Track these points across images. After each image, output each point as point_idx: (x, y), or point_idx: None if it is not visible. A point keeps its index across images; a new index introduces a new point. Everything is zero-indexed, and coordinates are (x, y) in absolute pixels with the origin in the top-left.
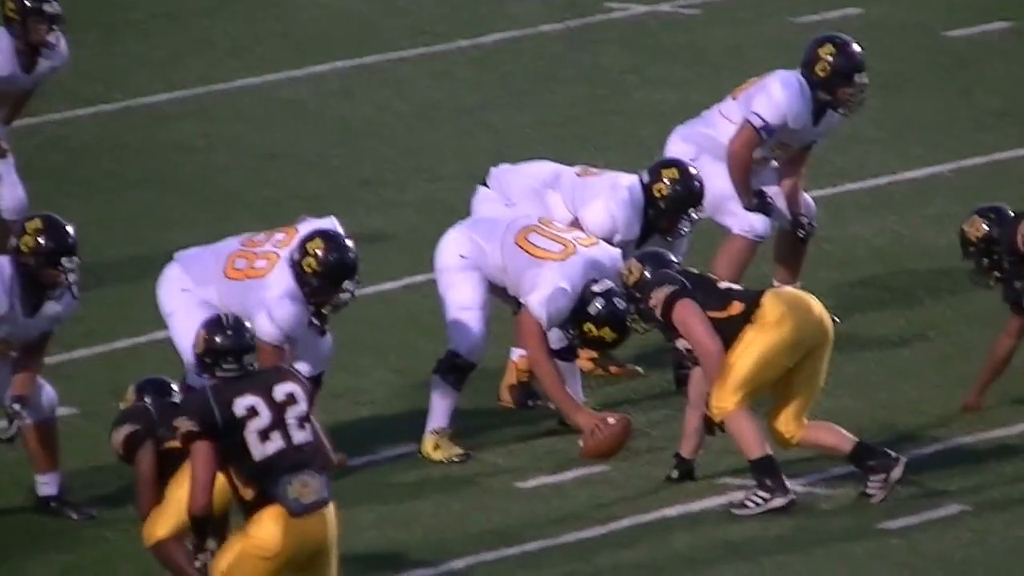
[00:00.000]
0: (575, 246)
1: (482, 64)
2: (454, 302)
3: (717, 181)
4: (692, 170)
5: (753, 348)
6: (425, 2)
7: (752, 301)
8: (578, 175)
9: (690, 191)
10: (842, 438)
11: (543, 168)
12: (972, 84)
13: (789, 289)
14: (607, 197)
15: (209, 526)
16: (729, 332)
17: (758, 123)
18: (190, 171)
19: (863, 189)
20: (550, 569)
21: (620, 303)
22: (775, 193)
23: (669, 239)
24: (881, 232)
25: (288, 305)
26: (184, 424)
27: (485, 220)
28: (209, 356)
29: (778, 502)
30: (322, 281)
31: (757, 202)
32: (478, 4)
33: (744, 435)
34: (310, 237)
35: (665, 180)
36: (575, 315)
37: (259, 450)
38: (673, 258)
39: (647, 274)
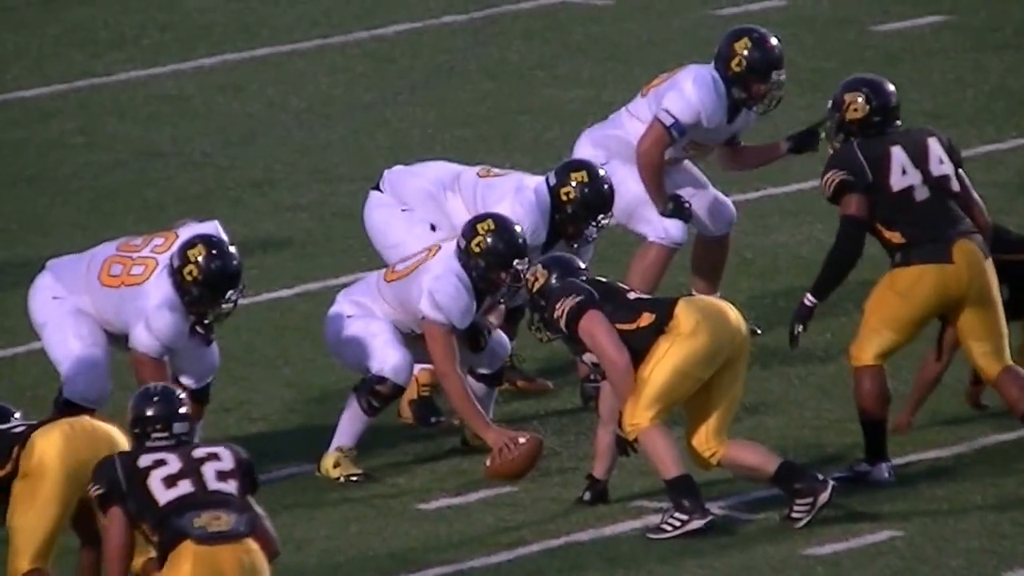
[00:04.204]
0: (439, 245)
1: (381, 57)
2: (366, 332)
3: (630, 185)
4: (602, 172)
5: (667, 361)
6: None
7: (664, 311)
8: (480, 176)
9: (599, 195)
10: (766, 457)
11: (440, 169)
12: (902, 82)
13: (704, 297)
14: (512, 200)
15: None
16: (639, 344)
17: (668, 121)
18: (69, 170)
19: (786, 194)
20: None
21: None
22: (691, 196)
23: (575, 245)
24: (805, 240)
25: (167, 315)
26: (92, 490)
27: (357, 285)
28: (137, 425)
29: (696, 524)
30: (203, 290)
31: (672, 206)
32: None
33: (659, 453)
34: (191, 243)
35: (573, 183)
36: (480, 274)
37: (163, 495)
38: (581, 264)
39: (553, 281)
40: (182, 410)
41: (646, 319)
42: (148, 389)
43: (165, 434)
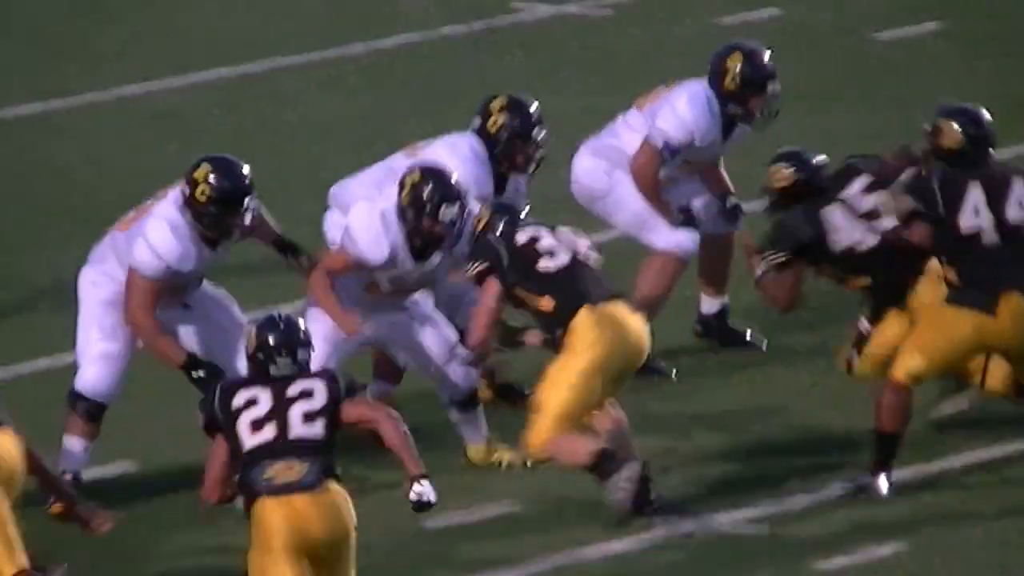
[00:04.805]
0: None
1: (377, 71)
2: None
3: (637, 196)
4: (520, 96)
5: (562, 382)
6: (315, 4)
7: (565, 310)
8: (408, 156)
9: (526, 115)
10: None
11: (376, 169)
12: (902, 91)
13: (608, 309)
14: (448, 156)
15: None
16: (538, 322)
17: (660, 142)
18: (64, 189)
19: None
20: None
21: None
22: (694, 194)
23: (529, 174)
24: None
25: (165, 229)
26: (199, 416)
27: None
28: (262, 352)
29: (634, 468)
30: (219, 207)
31: (682, 218)
32: (372, 5)
33: (568, 453)
34: (195, 167)
35: (497, 113)
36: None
37: (248, 440)
38: (521, 212)
39: (498, 224)
40: (304, 336)
41: (546, 304)
42: (271, 317)
43: (289, 360)
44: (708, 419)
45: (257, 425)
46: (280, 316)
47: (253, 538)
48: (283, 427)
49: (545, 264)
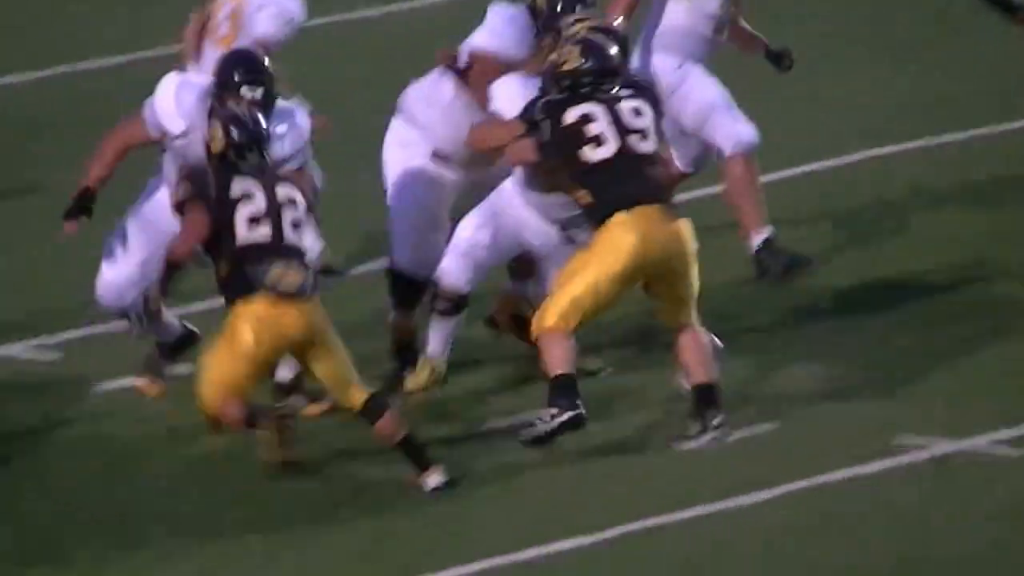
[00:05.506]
0: None
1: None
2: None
3: (701, 92)
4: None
5: (586, 275)
6: None
7: (601, 209)
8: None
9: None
10: (700, 368)
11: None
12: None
13: (641, 213)
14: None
15: (174, 274)
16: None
17: None
18: None
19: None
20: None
21: None
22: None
23: None
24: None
25: (175, 82)
26: (181, 190)
27: None
28: (232, 151)
29: (564, 417)
30: (219, 79)
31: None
32: None
33: (552, 356)
34: None
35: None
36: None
37: (244, 234)
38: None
39: (586, 65)
40: (268, 132)
41: (583, 198)
42: (235, 114)
43: (259, 156)
44: (958, 341)
45: (254, 221)
46: (247, 113)
47: (225, 332)
48: (278, 230)
49: (588, 153)
